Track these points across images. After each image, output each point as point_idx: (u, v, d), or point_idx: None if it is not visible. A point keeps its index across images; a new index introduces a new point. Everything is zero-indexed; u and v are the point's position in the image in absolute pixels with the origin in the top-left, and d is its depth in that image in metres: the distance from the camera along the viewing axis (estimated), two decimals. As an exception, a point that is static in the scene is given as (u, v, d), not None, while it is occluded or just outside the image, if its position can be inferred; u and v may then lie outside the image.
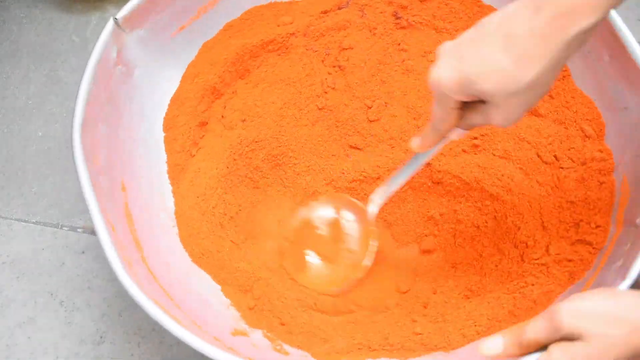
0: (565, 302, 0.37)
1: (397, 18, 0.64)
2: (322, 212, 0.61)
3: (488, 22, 0.38)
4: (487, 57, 0.37)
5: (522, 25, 0.36)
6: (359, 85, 0.64)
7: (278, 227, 0.62)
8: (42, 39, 0.83)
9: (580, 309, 0.36)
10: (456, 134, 0.45)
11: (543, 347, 0.37)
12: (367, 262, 0.58)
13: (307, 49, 0.65)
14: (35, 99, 0.79)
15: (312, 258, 0.59)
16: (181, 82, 0.62)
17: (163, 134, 0.60)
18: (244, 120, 0.63)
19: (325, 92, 0.64)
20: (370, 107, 0.63)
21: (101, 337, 0.66)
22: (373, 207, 0.57)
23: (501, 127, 0.41)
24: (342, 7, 0.65)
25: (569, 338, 0.36)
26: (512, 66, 0.37)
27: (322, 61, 0.65)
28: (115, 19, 0.54)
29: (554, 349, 0.36)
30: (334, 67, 0.64)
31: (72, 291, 0.68)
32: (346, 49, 0.64)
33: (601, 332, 0.35)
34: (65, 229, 0.72)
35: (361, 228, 0.59)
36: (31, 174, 0.75)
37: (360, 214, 0.59)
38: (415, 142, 0.48)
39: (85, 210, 0.72)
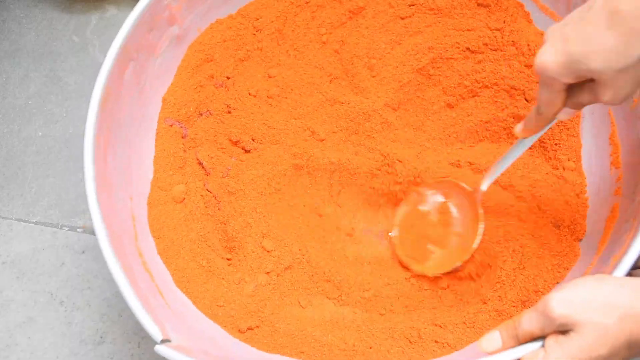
0: (555, 292, 0.37)
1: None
2: (432, 198, 0.61)
3: (593, 2, 0.38)
4: (593, 36, 0.37)
5: (627, 2, 0.36)
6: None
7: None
8: (42, 39, 0.83)
9: (571, 297, 0.37)
10: (565, 114, 0.44)
11: (538, 337, 0.38)
12: (475, 244, 0.58)
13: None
14: (35, 99, 0.79)
15: (427, 245, 0.61)
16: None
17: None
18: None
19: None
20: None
21: (101, 337, 0.66)
22: (482, 189, 0.57)
23: (611, 104, 0.40)
24: None
25: (564, 329, 0.37)
26: (619, 43, 0.36)
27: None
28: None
29: (551, 343, 0.37)
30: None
31: (72, 291, 0.68)
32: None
33: (592, 321, 0.35)
34: (65, 229, 0.72)
35: (469, 210, 0.59)
36: (31, 174, 0.75)
37: (468, 197, 0.59)
38: (518, 128, 0.48)
39: (86, 210, 0.72)
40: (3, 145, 0.77)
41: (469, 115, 0.63)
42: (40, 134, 0.77)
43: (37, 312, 0.67)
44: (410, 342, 0.53)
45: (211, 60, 0.63)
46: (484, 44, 0.61)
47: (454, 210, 0.60)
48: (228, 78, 0.64)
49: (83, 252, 0.70)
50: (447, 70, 0.63)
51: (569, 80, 0.40)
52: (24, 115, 0.78)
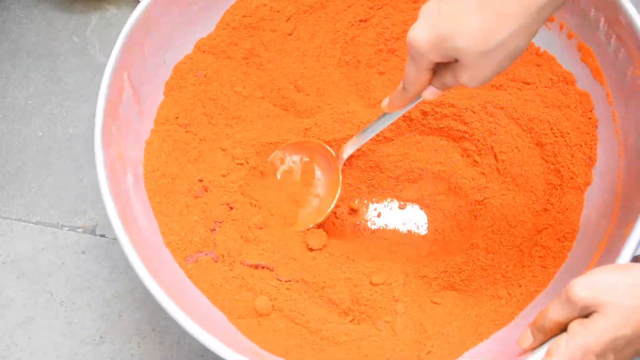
0: (578, 277, 0.37)
1: None
2: (297, 156, 0.63)
3: None
4: (463, 15, 0.38)
5: None
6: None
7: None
8: (42, 39, 0.83)
9: (593, 281, 0.36)
10: (429, 93, 0.45)
11: (565, 328, 0.38)
12: (331, 207, 0.60)
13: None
14: (35, 99, 0.79)
15: (284, 202, 0.62)
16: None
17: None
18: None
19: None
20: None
21: (101, 337, 0.66)
22: (344, 155, 0.59)
23: (468, 86, 0.41)
24: None
25: (587, 313, 0.36)
26: (485, 25, 0.37)
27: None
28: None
29: (574, 326, 0.37)
30: None
31: (72, 291, 0.68)
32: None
33: (616, 302, 0.35)
34: (65, 229, 0.72)
35: (331, 175, 0.61)
36: (31, 174, 0.75)
37: (332, 161, 0.61)
38: (385, 102, 0.48)
39: (86, 210, 0.72)
40: (3, 145, 0.77)
41: None
42: (40, 134, 0.77)
43: (37, 312, 0.67)
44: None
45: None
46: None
47: (317, 171, 0.62)
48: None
49: (83, 252, 0.70)
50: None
51: (436, 58, 0.40)
52: (24, 115, 0.78)
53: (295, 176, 0.62)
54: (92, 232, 0.71)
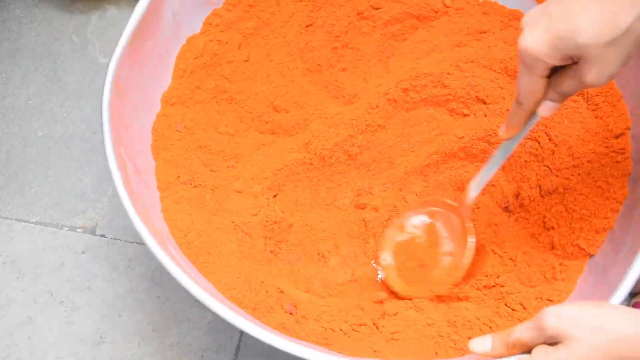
0: (552, 306, 0.37)
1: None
2: (417, 219, 0.60)
3: None
4: (579, 10, 0.36)
5: None
6: None
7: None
8: (42, 39, 0.83)
9: (566, 312, 0.36)
10: (546, 108, 0.42)
11: (528, 350, 0.38)
12: (467, 260, 0.56)
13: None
14: (35, 99, 0.79)
15: (415, 269, 0.59)
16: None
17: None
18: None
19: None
20: None
21: (101, 337, 0.66)
22: (470, 197, 0.55)
23: (596, 85, 0.38)
24: None
25: (553, 342, 0.36)
26: (606, 14, 0.35)
27: None
28: None
29: (537, 352, 0.36)
30: None
31: (72, 291, 0.68)
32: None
33: (584, 337, 0.35)
34: (65, 229, 0.72)
35: (457, 226, 0.58)
36: (31, 174, 0.75)
37: (455, 212, 0.57)
38: (502, 129, 0.46)
39: (86, 210, 0.72)
40: (3, 145, 0.77)
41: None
42: (40, 134, 0.77)
43: (37, 312, 0.67)
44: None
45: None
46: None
47: (441, 229, 0.59)
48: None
49: (83, 252, 0.70)
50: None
51: (554, 60, 0.38)
52: (24, 115, 0.78)
53: (420, 240, 0.60)
54: (92, 232, 0.71)
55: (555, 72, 0.40)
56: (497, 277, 0.55)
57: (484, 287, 0.55)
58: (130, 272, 0.69)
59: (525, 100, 0.42)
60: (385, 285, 0.59)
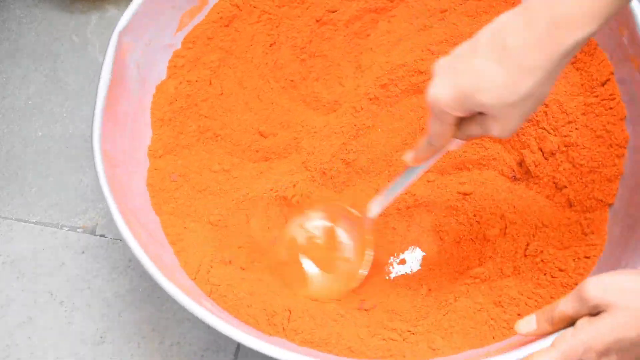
0: (593, 277, 0.38)
1: None
2: (318, 221, 0.60)
3: (481, 35, 0.38)
4: (483, 70, 0.37)
5: (515, 36, 0.36)
6: None
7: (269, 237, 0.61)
8: (42, 39, 0.83)
9: (607, 282, 0.37)
10: (454, 145, 0.45)
11: (573, 323, 0.38)
12: (364, 271, 0.57)
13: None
14: (35, 99, 0.79)
15: (310, 268, 0.59)
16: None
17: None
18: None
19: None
20: None
21: (101, 337, 0.66)
22: (370, 217, 0.56)
23: (500, 137, 0.40)
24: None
25: (596, 312, 0.37)
26: (508, 78, 0.36)
27: None
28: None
29: (581, 322, 0.37)
30: None
31: (72, 291, 0.68)
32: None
33: (625, 305, 0.35)
34: (65, 229, 0.72)
35: (357, 237, 0.59)
36: (31, 174, 0.75)
37: (357, 223, 0.58)
38: (409, 156, 0.47)
39: (86, 210, 0.72)
40: (3, 145, 0.77)
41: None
42: (40, 134, 0.77)
43: (37, 312, 0.67)
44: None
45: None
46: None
47: (342, 234, 0.59)
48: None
49: (83, 252, 0.70)
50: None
51: (460, 113, 0.39)
52: (24, 115, 0.78)
53: (318, 242, 0.60)
54: (92, 232, 0.71)
55: (464, 118, 0.42)
56: (527, 246, 0.55)
57: (518, 257, 0.55)
58: (130, 272, 0.69)
59: (435, 141, 0.44)
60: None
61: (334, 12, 0.66)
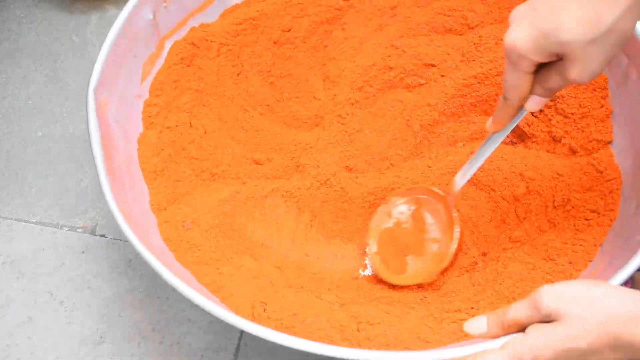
0: (548, 285, 0.37)
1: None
2: (403, 206, 0.60)
3: None
4: (562, 8, 0.36)
5: None
6: None
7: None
8: (42, 39, 0.83)
9: (561, 292, 0.36)
10: (533, 103, 0.43)
11: (524, 329, 0.38)
12: (453, 249, 0.57)
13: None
14: (35, 99, 0.79)
15: (402, 255, 0.59)
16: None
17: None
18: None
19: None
20: None
21: (101, 337, 0.66)
22: (456, 188, 0.56)
23: (580, 82, 0.39)
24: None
25: (548, 320, 0.36)
26: (589, 11, 0.35)
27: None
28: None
29: (532, 328, 0.37)
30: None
31: (72, 291, 0.68)
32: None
33: (577, 315, 0.35)
34: (65, 229, 0.72)
35: (444, 216, 0.58)
36: (31, 174, 0.75)
37: (441, 201, 0.58)
38: (489, 123, 0.47)
39: (86, 210, 0.72)
40: (3, 145, 0.77)
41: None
42: (40, 134, 0.77)
43: (37, 312, 0.67)
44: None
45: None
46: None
47: (427, 216, 0.59)
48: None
49: (83, 252, 0.70)
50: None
51: (539, 57, 0.38)
52: (24, 115, 0.78)
53: (406, 226, 0.60)
54: (92, 232, 0.71)
55: (541, 68, 0.41)
56: (554, 197, 0.55)
57: (549, 210, 0.56)
58: (130, 272, 0.69)
59: (512, 95, 0.42)
60: (374, 275, 0.60)
61: (288, 30, 0.66)
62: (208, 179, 0.62)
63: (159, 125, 0.60)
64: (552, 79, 0.40)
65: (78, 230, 0.72)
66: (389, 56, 0.64)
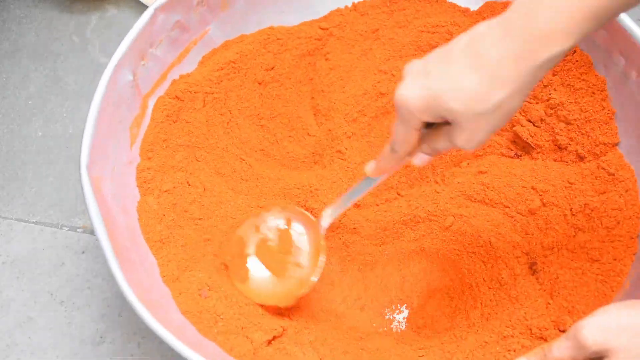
0: (589, 317, 0.36)
1: None
2: (273, 223, 0.59)
3: (457, 42, 0.37)
4: (456, 76, 0.36)
5: (491, 46, 0.35)
6: None
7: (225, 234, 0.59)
8: (42, 39, 0.83)
9: (604, 324, 0.36)
10: (419, 160, 0.44)
11: None
12: (315, 278, 0.56)
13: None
14: (35, 99, 0.79)
15: (258, 268, 0.57)
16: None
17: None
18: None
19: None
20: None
21: (101, 337, 0.66)
22: (324, 222, 0.56)
23: (464, 149, 0.39)
24: None
25: (596, 356, 0.36)
26: (480, 87, 0.36)
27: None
28: None
29: None
30: None
31: (72, 291, 0.68)
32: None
33: (628, 348, 0.34)
34: (65, 229, 0.72)
35: (312, 242, 0.57)
36: (31, 174, 0.75)
37: (312, 227, 0.57)
38: (369, 167, 0.47)
39: (86, 210, 0.72)
40: (3, 145, 0.77)
41: None
42: (40, 134, 0.77)
43: (37, 312, 0.67)
44: None
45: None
46: None
47: (296, 238, 0.58)
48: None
49: (83, 252, 0.70)
50: None
51: (427, 118, 0.38)
52: (24, 115, 0.78)
53: (271, 245, 0.58)
54: (92, 232, 0.71)
55: (429, 127, 0.41)
56: (571, 205, 0.55)
57: (569, 217, 0.55)
58: (130, 272, 0.69)
59: (399, 148, 0.42)
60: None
61: (271, 69, 0.64)
62: (214, 240, 0.59)
63: (156, 190, 0.57)
64: (439, 141, 0.41)
65: (78, 230, 0.72)
66: (379, 82, 0.63)
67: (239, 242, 0.58)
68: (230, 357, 0.49)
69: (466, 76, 0.36)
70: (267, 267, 0.57)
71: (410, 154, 0.43)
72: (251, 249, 0.58)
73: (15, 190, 0.74)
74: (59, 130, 0.77)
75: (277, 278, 0.57)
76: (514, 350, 0.49)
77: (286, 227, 0.58)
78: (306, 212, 0.58)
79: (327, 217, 0.56)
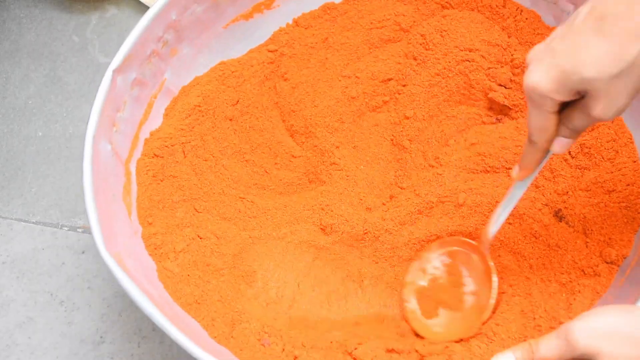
0: (578, 320, 0.36)
1: None
2: (437, 260, 0.58)
3: (575, 15, 0.37)
4: (584, 44, 0.35)
5: (616, 4, 0.34)
6: None
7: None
8: (42, 39, 0.83)
9: (595, 327, 0.35)
10: (559, 145, 0.42)
11: None
12: (493, 300, 0.54)
13: None
14: (35, 99, 0.79)
15: (440, 312, 0.57)
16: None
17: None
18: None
19: None
20: None
21: (101, 337, 0.66)
22: (489, 238, 0.54)
23: (604, 119, 0.38)
24: None
25: (583, 358, 0.35)
26: (611, 46, 0.35)
27: None
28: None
29: None
30: None
31: (72, 291, 0.68)
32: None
33: (618, 352, 0.34)
34: (65, 229, 0.72)
35: (479, 265, 0.56)
36: (31, 174, 0.75)
37: (475, 252, 0.57)
38: (515, 171, 0.46)
39: (85, 210, 0.72)
40: (3, 145, 0.77)
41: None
42: (40, 134, 0.77)
43: (37, 312, 0.67)
44: None
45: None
46: None
47: (463, 268, 0.58)
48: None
49: (83, 252, 0.70)
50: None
51: (562, 96, 0.38)
52: (24, 115, 0.78)
53: (442, 283, 0.58)
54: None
55: (564, 107, 0.40)
56: (602, 188, 0.55)
57: (607, 193, 0.55)
58: (130, 272, 0.69)
59: (538, 138, 0.41)
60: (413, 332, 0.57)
61: (237, 103, 0.63)
62: (248, 281, 0.58)
63: (170, 253, 0.56)
64: (576, 118, 0.39)
65: (78, 230, 0.72)
66: (347, 87, 0.63)
67: (420, 295, 0.58)
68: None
69: (594, 42, 0.35)
70: (446, 305, 0.57)
71: (550, 141, 0.41)
72: (429, 294, 0.58)
73: (15, 190, 0.74)
74: (59, 130, 0.77)
75: (457, 312, 0.56)
76: (579, 292, 0.50)
77: (450, 260, 0.58)
78: (464, 238, 0.57)
79: (490, 232, 0.54)
